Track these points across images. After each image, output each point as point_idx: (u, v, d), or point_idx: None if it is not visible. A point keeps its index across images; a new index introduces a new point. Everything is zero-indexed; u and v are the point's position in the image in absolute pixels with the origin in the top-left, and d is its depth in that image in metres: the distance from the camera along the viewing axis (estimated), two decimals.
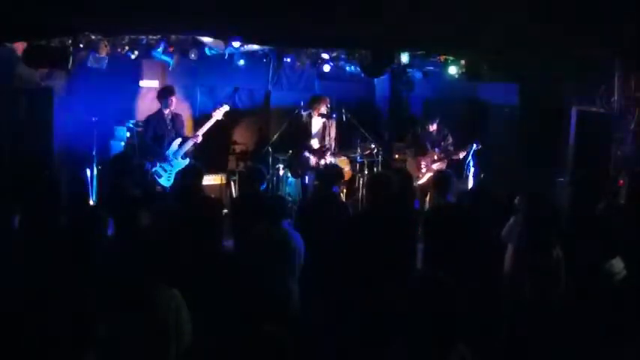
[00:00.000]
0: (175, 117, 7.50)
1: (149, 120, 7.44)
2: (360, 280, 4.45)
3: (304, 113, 8.03)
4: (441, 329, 2.29)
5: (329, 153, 7.98)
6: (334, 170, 5.93)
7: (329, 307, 4.55)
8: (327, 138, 8.02)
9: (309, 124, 8.00)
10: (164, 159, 7.31)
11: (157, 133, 7.35)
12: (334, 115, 8.06)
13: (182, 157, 7.39)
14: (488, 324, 3.93)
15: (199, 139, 7.46)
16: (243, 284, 4.33)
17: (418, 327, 2.31)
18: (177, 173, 7.15)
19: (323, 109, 7.97)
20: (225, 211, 6.35)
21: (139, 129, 8.01)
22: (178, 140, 7.40)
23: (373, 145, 8.54)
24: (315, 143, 8.03)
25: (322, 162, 7.89)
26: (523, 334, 4.04)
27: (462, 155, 7.99)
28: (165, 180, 7.29)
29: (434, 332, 2.29)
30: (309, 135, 7.99)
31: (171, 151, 7.34)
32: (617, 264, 4.41)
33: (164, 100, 7.37)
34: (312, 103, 8.06)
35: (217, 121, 7.60)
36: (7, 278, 3.60)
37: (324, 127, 8.03)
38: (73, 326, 3.23)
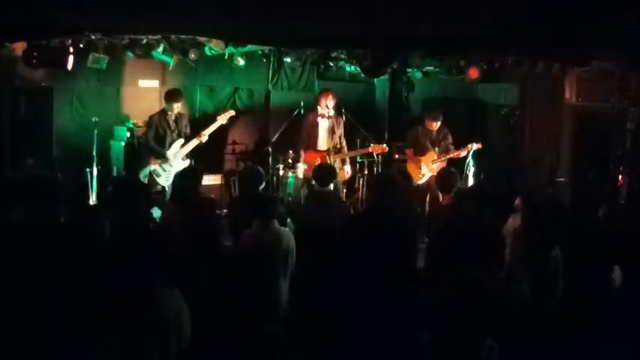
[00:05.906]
0: (180, 117, 7.48)
1: (152, 119, 7.42)
2: (362, 280, 4.44)
3: (310, 113, 7.88)
4: (470, 325, 2.34)
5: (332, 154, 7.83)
6: (327, 168, 5.90)
7: (332, 306, 4.55)
8: (334, 136, 7.79)
9: (315, 125, 7.83)
10: (164, 159, 7.31)
11: (158, 133, 7.34)
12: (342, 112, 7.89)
13: (182, 159, 7.38)
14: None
15: (205, 138, 7.43)
16: (237, 284, 4.34)
17: (447, 323, 2.36)
18: (176, 174, 7.13)
19: (324, 104, 7.75)
20: (225, 211, 6.34)
21: (138, 131, 8.00)
22: (180, 141, 7.37)
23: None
24: (322, 144, 7.92)
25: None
26: (522, 334, 4.04)
27: (462, 154, 7.94)
28: (164, 179, 7.28)
29: (462, 328, 2.33)
30: (316, 136, 7.86)
31: (172, 151, 7.34)
32: (615, 272, 4.44)
33: (169, 103, 7.34)
34: (317, 100, 7.93)
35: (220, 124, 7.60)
36: (6, 278, 3.60)
37: (332, 125, 7.77)
38: (73, 326, 3.23)
